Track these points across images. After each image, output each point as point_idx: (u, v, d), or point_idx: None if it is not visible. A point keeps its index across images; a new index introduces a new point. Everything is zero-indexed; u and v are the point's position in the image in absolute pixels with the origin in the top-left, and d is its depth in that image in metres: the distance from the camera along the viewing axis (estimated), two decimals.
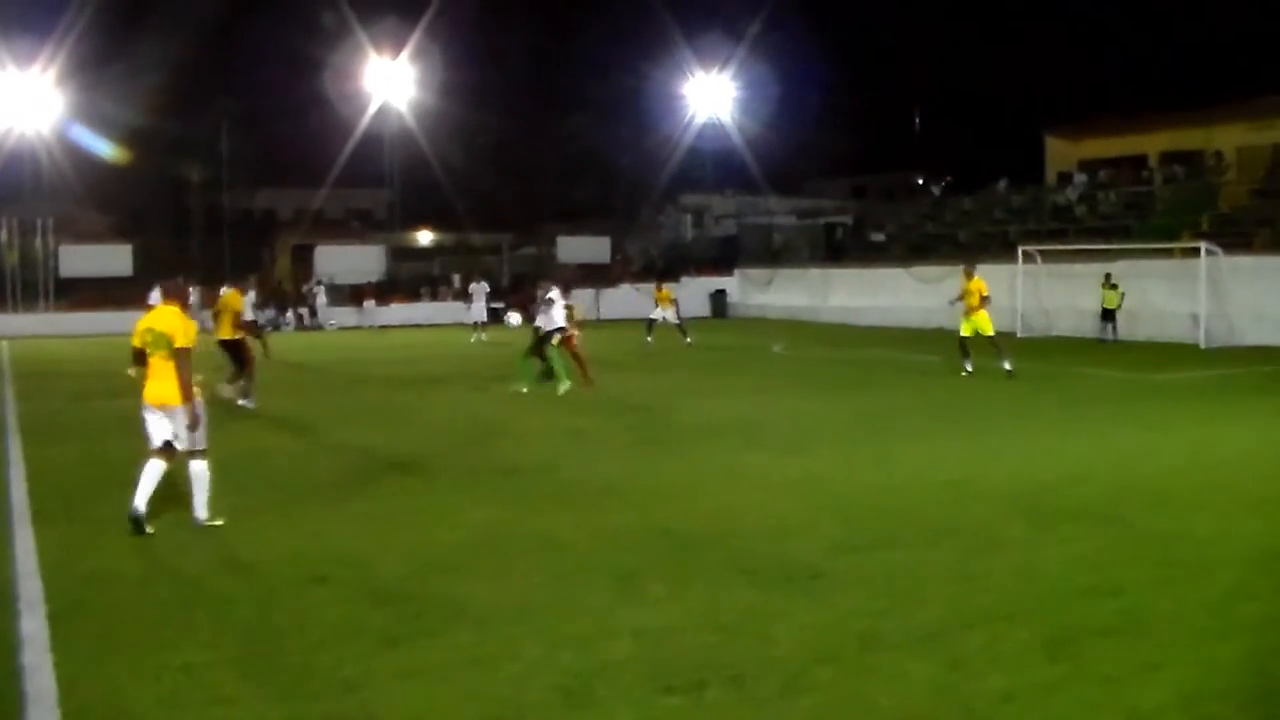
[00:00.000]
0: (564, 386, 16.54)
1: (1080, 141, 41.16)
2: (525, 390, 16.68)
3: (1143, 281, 26.82)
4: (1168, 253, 27.58)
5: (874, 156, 60.40)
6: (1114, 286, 26.54)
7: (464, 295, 39.52)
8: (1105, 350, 24.12)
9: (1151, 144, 38.07)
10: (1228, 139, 35.26)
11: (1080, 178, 36.91)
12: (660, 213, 56.62)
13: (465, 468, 10.48)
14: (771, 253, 45.28)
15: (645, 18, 58.46)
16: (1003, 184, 40.03)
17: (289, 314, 38.35)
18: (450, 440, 12.17)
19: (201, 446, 8.00)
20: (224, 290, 16.34)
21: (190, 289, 39.62)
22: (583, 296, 33.92)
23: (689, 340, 25.80)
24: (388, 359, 24.14)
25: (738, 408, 15.01)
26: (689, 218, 55.69)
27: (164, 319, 7.98)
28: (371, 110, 44.60)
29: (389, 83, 44.34)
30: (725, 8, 55.02)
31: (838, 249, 43.89)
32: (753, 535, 7.70)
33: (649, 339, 26.45)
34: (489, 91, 53.71)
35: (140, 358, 8.02)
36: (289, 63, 52.03)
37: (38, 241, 37.60)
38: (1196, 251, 25.17)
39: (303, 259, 44.09)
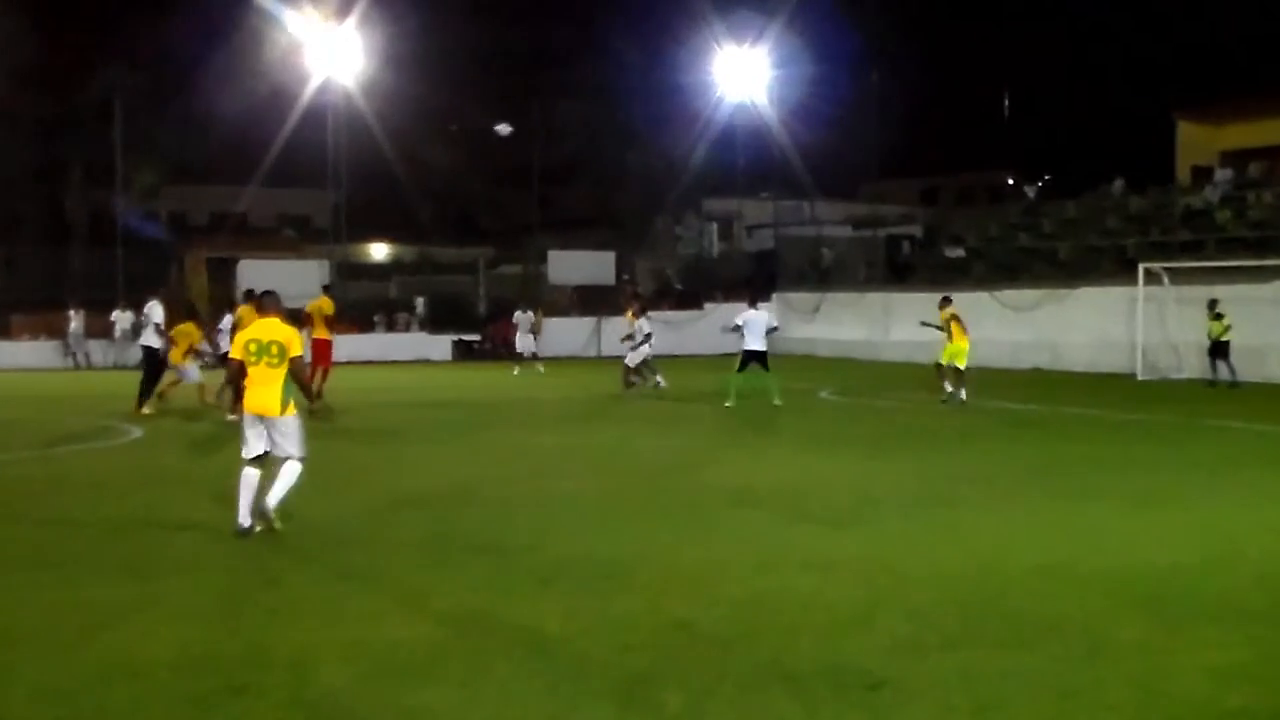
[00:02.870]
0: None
1: (1223, 127, 41.17)
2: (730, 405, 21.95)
3: None
4: None
5: (950, 151, 60.75)
6: (1219, 316, 26.56)
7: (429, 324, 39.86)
8: (1246, 397, 24.07)
9: None
10: None
11: (1223, 174, 36.89)
12: (679, 222, 56.89)
13: (429, 541, 10.48)
14: (819, 272, 45.48)
15: None
16: (1118, 184, 40.13)
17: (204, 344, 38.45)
18: (411, 507, 12.15)
19: (300, 455, 10.38)
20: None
21: (73, 312, 39.61)
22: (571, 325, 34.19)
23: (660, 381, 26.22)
24: (331, 403, 24.13)
25: (776, 469, 15.01)
26: (715, 228, 55.98)
27: (270, 330, 10.31)
28: (311, 88, 44.71)
29: (333, 54, 44.55)
30: None
31: (903, 267, 44.03)
32: (794, 631, 7.67)
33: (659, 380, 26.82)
34: (462, 68, 54.20)
35: (240, 371, 10.32)
36: (204, 25, 52.42)
37: None
38: None
39: (221, 275, 44.26)
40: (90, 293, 39.21)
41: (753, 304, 23.57)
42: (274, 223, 57.26)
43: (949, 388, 22.73)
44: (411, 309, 44.21)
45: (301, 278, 42.15)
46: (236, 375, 10.57)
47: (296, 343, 10.34)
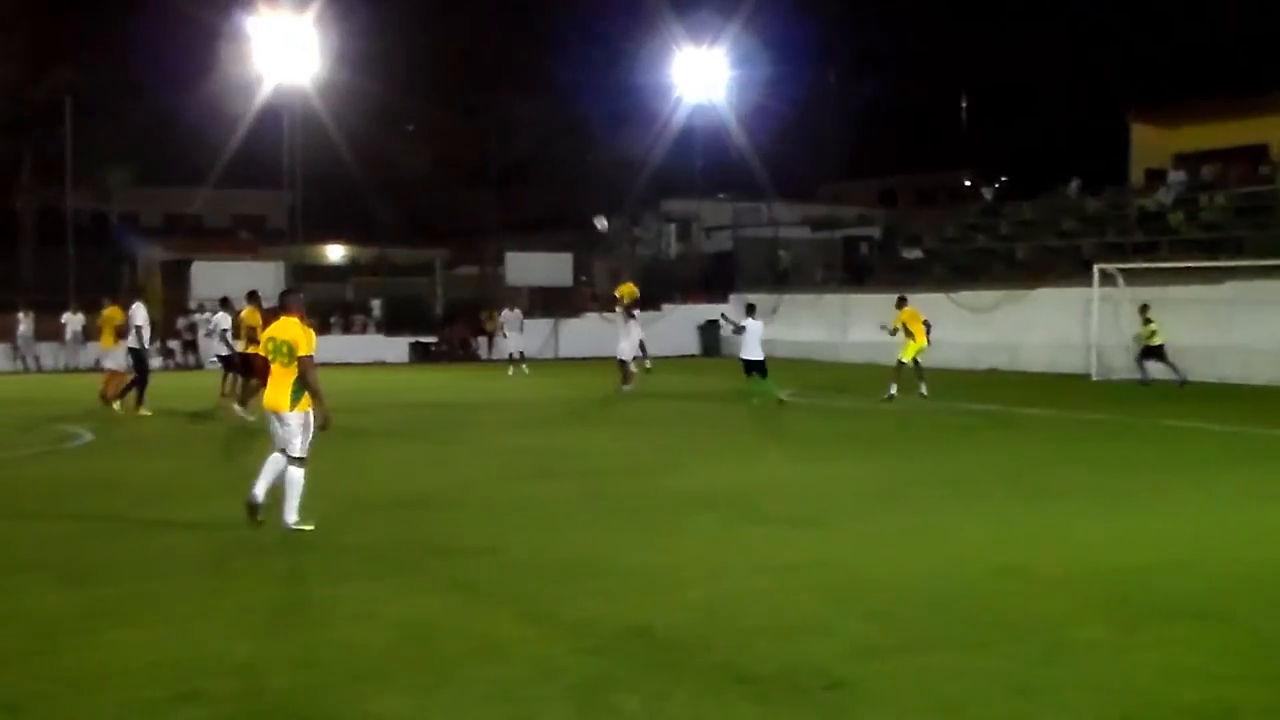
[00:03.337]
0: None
1: (1176, 130, 41.55)
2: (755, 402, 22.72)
3: (1261, 310, 27.04)
4: None
5: (908, 152, 61.03)
6: (1148, 321, 26.89)
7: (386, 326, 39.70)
8: (1202, 397, 24.28)
9: (1273, 130, 38.31)
10: None
11: (1177, 176, 37.23)
12: (637, 223, 56.90)
13: (385, 545, 10.42)
14: (777, 273, 45.55)
15: None
16: (1074, 185, 40.46)
17: (155, 346, 38.17)
18: (367, 510, 12.10)
19: (300, 455, 10.63)
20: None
21: (23, 315, 39.40)
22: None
23: (649, 366, 27.20)
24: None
25: (734, 470, 15.01)
26: (673, 229, 56.02)
27: (285, 329, 10.71)
28: (267, 88, 44.39)
29: (290, 54, 44.27)
30: None
31: (861, 269, 44.19)
32: (752, 634, 7.67)
33: (647, 365, 28.32)
34: (419, 68, 54.00)
35: (265, 366, 10.97)
36: (158, 22, 51.98)
37: None
38: None
39: (175, 277, 43.89)
40: (40, 295, 38.74)
41: (750, 312, 23.87)
42: (229, 224, 56.88)
43: (894, 390, 23.46)
44: (368, 311, 43.99)
45: (257, 279, 41.91)
46: (263, 371, 11.25)
47: (304, 342, 10.60)
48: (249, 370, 19.84)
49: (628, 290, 28.46)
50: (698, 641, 7.52)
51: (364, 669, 7.03)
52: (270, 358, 10.83)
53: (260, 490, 10.79)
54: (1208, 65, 51.19)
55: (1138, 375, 27.23)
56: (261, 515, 10.73)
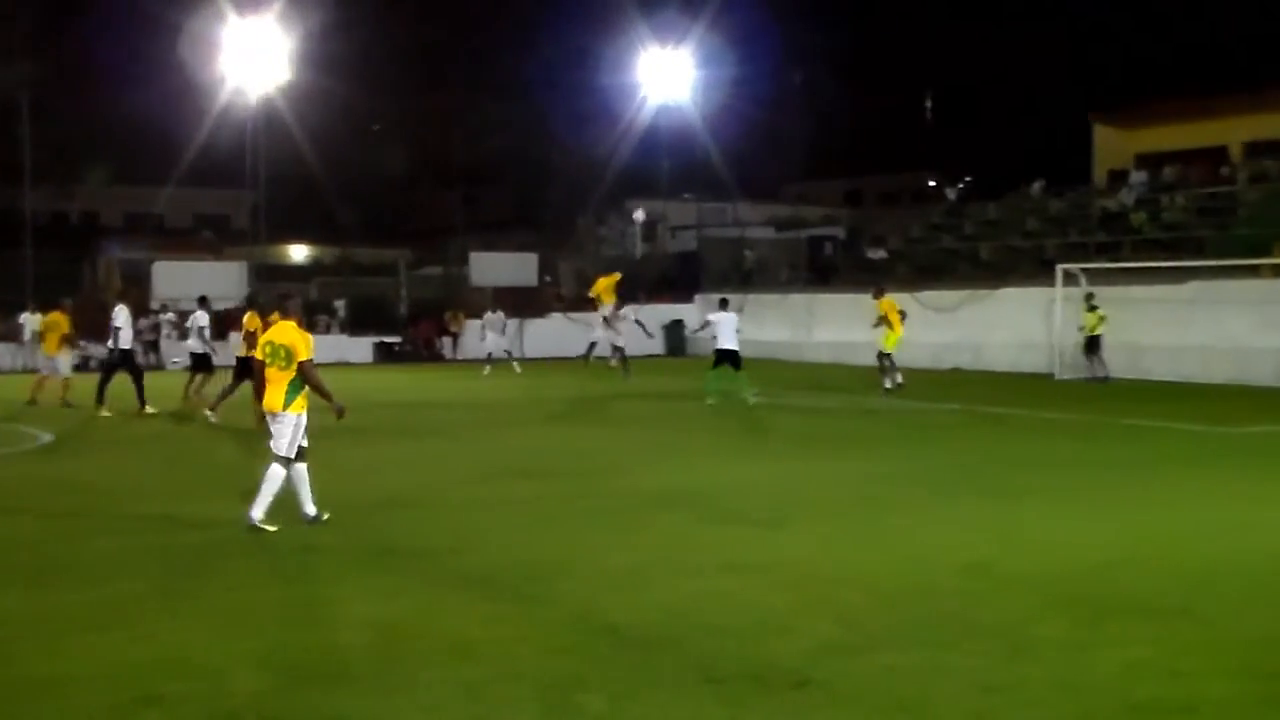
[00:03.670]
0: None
1: (1138, 131, 41.87)
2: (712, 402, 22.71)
3: (1220, 309, 27.28)
4: (1254, 271, 28.02)
5: (873, 153, 61.23)
6: (1094, 308, 27.20)
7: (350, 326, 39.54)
8: (1171, 396, 24.48)
9: (1233, 132, 38.68)
10: None
11: (1138, 176, 37.56)
12: (602, 223, 56.93)
13: (352, 546, 10.38)
14: (742, 273, 45.66)
15: None
16: (1037, 186, 40.73)
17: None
18: (334, 511, 12.01)
19: (285, 454, 10.76)
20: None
21: None
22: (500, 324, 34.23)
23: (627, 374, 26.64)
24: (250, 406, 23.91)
25: (701, 471, 15.03)
26: (638, 230, 56.05)
27: (283, 333, 10.88)
28: (229, 88, 44.15)
29: (254, 54, 44.00)
30: None
31: (826, 269, 44.36)
32: (719, 633, 7.69)
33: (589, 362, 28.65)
34: (382, 68, 53.80)
35: (262, 370, 10.98)
36: (120, 21, 51.67)
37: None
38: None
39: (136, 277, 43.56)
40: None
41: (723, 305, 24.04)
42: (190, 223, 56.52)
43: (894, 381, 24.57)
44: (332, 311, 43.76)
45: (220, 280, 41.74)
46: (259, 375, 11.26)
47: (302, 346, 10.80)
48: (245, 374, 19.56)
49: (604, 284, 28.66)
50: (665, 641, 7.54)
51: (330, 670, 7.01)
52: (267, 361, 10.93)
53: (308, 503, 11.10)
54: (1170, 67, 51.69)
55: (1095, 374, 27.58)
56: (326, 515, 11.17)
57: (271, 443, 10.94)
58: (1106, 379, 27.20)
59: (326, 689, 6.69)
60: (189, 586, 9.04)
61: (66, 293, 24.90)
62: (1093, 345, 27.56)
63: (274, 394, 10.91)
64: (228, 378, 20.70)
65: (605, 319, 28.77)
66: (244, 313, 20.69)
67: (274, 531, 10.62)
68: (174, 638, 7.70)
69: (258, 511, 10.69)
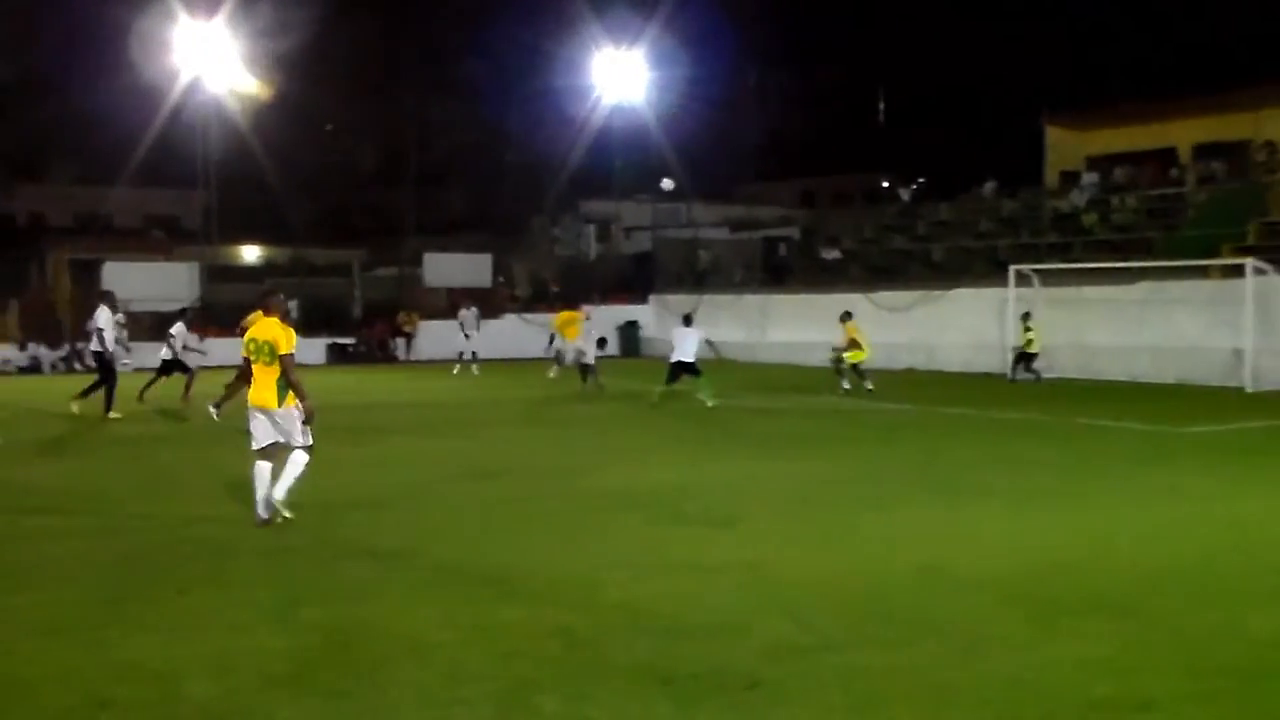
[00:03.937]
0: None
1: (1089, 133, 42.24)
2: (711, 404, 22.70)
3: (1170, 309, 27.56)
4: (1203, 272, 28.34)
5: (826, 154, 61.48)
6: (1029, 329, 28.07)
7: (303, 327, 39.17)
8: (1122, 395, 24.72)
9: (1182, 134, 39.08)
10: None
11: (1090, 178, 37.90)
12: (556, 224, 56.86)
13: (303, 548, 10.32)
14: (696, 274, 45.72)
15: None
16: (990, 187, 41.02)
17: (65, 349, 37.52)
18: (292, 512, 11.95)
19: (307, 443, 11.20)
20: None
21: None
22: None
23: (601, 383, 26.49)
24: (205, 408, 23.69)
25: (656, 472, 15.04)
26: (592, 230, 56.01)
27: (265, 330, 11.14)
28: (180, 87, 43.76)
29: (205, 52, 43.61)
30: None
31: (780, 269, 44.48)
32: (673, 634, 7.69)
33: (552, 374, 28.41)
34: (336, 68, 53.49)
35: (247, 367, 11.21)
36: (69, 20, 51.11)
37: None
38: (1241, 270, 25.91)
39: (85, 278, 43.10)
40: None
41: (686, 322, 24.15)
42: (140, 223, 55.85)
43: (862, 385, 25.07)
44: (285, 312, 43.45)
45: (171, 280, 41.37)
46: (244, 372, 11.44)
47: (284, 341, 11.07)
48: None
49: (565, 319, 28.54)
50: (619, 642, 7.54)
51: (281, 674, 6.97)
52: (252, 359, 11.20)
53: (262, 509, 11.20)
54: (1121, 70, 52.20)
55: (1025, 376, 28.13)
56: (280, 518, 11.24)
57: (290, 437, 11.20)
58: (1038, 379, 27.91)
59: (277, 693, 6.64)
60: (139, 590, 8.95)
61: (13, 294, 24.50)
62: (1023, 359, 28.19)
63: (264, 392, 11.14)
64: (228, 377, 20.48)
65: (577, 350, 28.32)
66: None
67: (290, 519, 11.18)
68: (124, 642, 7.64)
69: (281, 493, 11.16)
